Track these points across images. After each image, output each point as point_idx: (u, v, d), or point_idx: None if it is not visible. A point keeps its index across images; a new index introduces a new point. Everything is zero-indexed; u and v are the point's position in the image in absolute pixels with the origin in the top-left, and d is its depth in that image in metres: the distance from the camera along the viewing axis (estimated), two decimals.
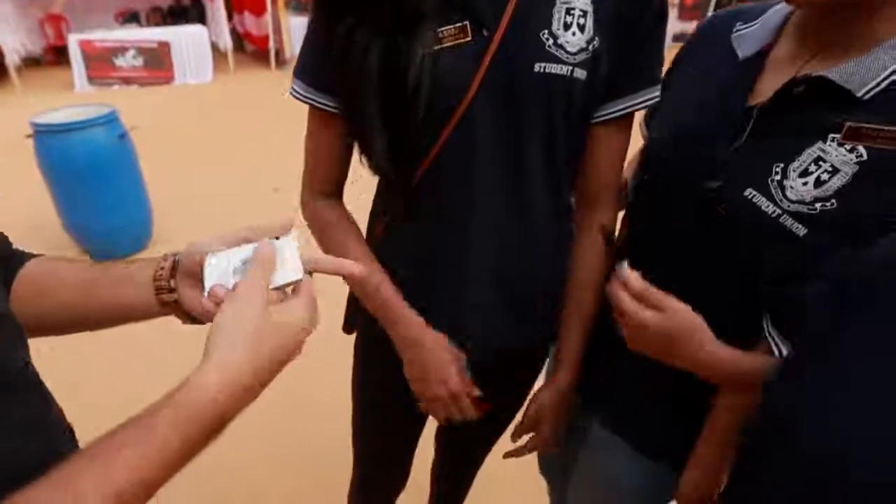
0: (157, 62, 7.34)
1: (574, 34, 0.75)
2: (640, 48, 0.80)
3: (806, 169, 0.65)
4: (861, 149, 0.62)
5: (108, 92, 6.85)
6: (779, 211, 0.67)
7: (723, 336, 0.74)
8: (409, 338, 0.89)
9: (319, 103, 0.84)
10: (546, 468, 1.31)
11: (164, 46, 7.33)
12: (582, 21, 0.75)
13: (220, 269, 0.57)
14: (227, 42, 8.34)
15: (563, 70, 0.76)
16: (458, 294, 0.90)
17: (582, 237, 0.92)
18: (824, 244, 0.64)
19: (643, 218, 0.91)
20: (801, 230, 0.66)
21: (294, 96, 0.86)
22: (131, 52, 7.20)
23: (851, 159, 0.63)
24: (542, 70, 0.75)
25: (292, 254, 0.57)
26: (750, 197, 0.69)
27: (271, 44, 8.04)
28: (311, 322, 0.56)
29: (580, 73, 0.77)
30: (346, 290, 1.07)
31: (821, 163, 0.64)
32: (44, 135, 2.88)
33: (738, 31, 0.78)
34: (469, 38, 0.74)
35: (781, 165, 0.67)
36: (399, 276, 0.91)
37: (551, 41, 0.75)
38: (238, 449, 2.01)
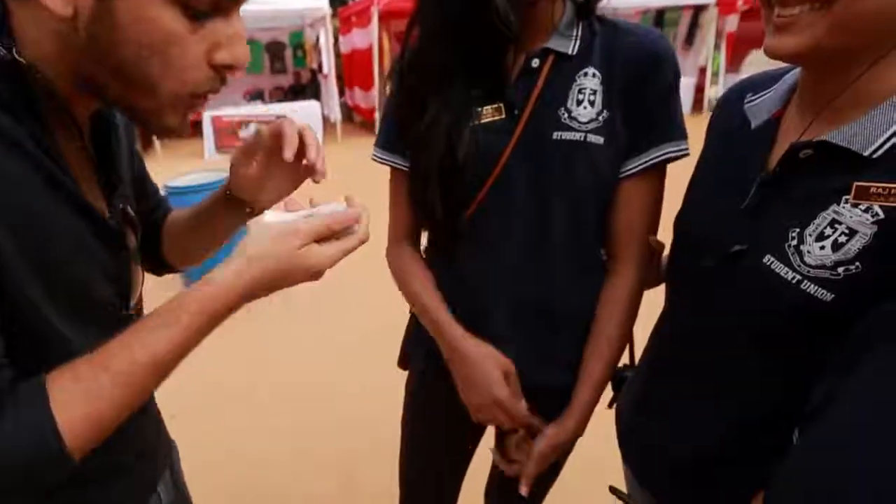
0: None
1: (585, 108, 0.89)
2: (652, 111, 0.90)
3: (822, 233, 0.64)
4: (877, 208, 0.60)
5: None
6: (798, 277, 0.65)
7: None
8: (456, 349, 0.99)
9: (396, 164, 1.02)
10: None
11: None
12: (592, 98, 0.89)
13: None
14: (336, 115, 9.16)
15: (576, 136, 0.89)
16: (483, 329, 0.99)
17: (606, 288, 0.98)
18: (857, 309, 0.59)
19: (673, 289, 0.91)
20: (826, 296, 0.63)
21: (375, 160, 1.06)
22: (253, 125, 8.07)
23: (868, 220, 0.60)
24: (559, 137, 0.89)
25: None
26: (769, 263, 0.68)
27: (377, 115, 8.70)
28: (320, 266, 0.65)
29: (595, 139, 0.88)
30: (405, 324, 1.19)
31: (836, 225, 0.62)
32: (174, 195, 3.34)
33: (749, 101, 0.79)
34: (503, 116, 0.91)
35: (797, 230, 0.66)
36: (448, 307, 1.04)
37: (566, 115, 0.89)
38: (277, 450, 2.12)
